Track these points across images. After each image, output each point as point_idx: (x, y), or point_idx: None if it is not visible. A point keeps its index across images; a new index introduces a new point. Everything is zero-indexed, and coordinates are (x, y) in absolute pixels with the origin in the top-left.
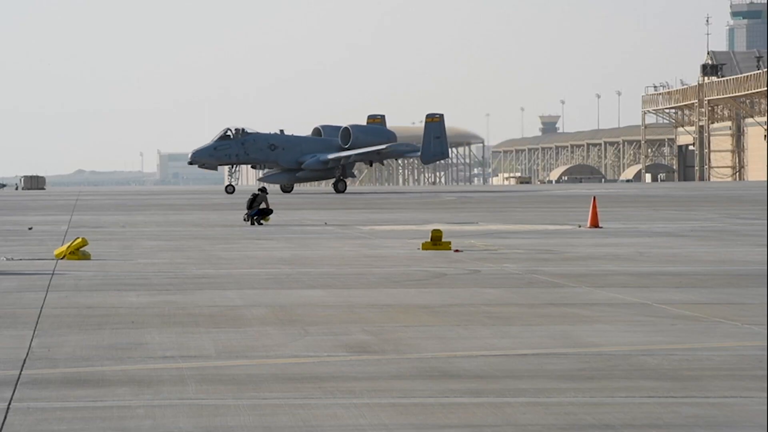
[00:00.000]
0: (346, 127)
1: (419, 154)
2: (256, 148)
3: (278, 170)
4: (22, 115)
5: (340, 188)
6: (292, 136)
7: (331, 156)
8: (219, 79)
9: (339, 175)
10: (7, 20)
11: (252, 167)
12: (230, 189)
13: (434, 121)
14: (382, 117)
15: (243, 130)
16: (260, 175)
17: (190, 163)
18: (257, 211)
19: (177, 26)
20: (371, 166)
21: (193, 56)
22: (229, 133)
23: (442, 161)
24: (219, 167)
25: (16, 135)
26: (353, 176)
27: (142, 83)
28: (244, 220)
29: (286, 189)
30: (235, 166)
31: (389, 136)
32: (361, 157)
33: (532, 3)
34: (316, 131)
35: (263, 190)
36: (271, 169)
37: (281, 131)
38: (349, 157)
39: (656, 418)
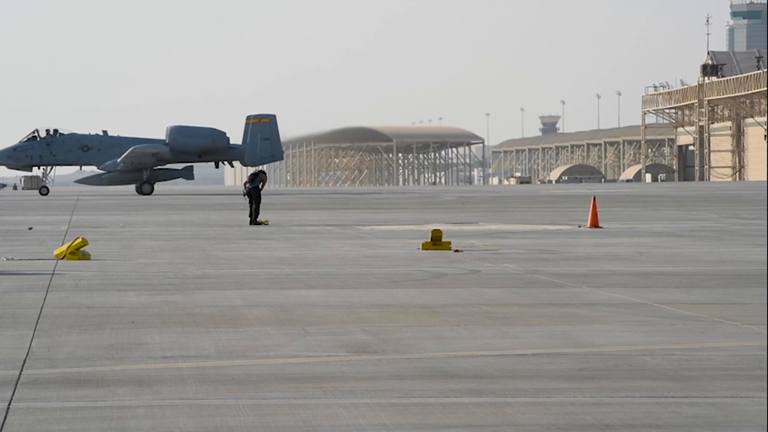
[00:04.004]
0: (167, 128)
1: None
2: (65, 150)
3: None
4: (22, 115)
5: (144, 191)
6: (112, 137)
7: (119, 159)
8: (220, 78)
9: (146, 177)
10: (7, 20)
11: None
12: (44, 191)
13: (262, 122)
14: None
15: (56, 130)
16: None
17: None
18: (255, 186)
19: (177, 26)
20: (217, 167)
21: (194, 55)
22: (35, 134)
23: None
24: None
25: (16, 135)
26: (181, 176)
27: (142, 83)
28: (243, 195)
29: (142, 191)
30: (47, 167)
31: (215, 137)
32: (128, 161)
33: (532, 3)
34: (166, 131)
35: (264, 174)
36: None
37: (104, 132)
38: (125, 160)
39: (656, 418)
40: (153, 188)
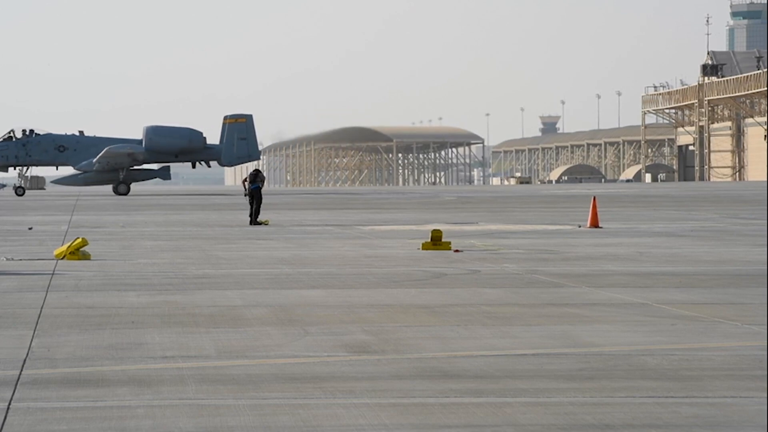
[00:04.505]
0: (144, 128)
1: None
2: (40, 150)
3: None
4: (22, 115)
5: (120, 191)
6: (88, 137)
7: (95, 159)
8: (220, 78)
9: (122, 177)
10: (7, 20)
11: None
12: (20, 191)
13: (238, 122)
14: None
15: (32, 131)
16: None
17: None
18: (257, 187)
19: (177, 26)
20: (194, 167)
21: (194, 55)
22: (11, 134)
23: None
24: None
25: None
26: (157, 176)
27: (142, 83)
28: (244, 195)
29: (118, 191)
30: (23, 167)
31: (191, 137)
32: (103, 161)
33: (532, 3)
34: (142, 131)
35: (262, 173)
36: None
37: (81, 132)
38: (100, 161)
39: (656, 418)
40: (129, 188)
